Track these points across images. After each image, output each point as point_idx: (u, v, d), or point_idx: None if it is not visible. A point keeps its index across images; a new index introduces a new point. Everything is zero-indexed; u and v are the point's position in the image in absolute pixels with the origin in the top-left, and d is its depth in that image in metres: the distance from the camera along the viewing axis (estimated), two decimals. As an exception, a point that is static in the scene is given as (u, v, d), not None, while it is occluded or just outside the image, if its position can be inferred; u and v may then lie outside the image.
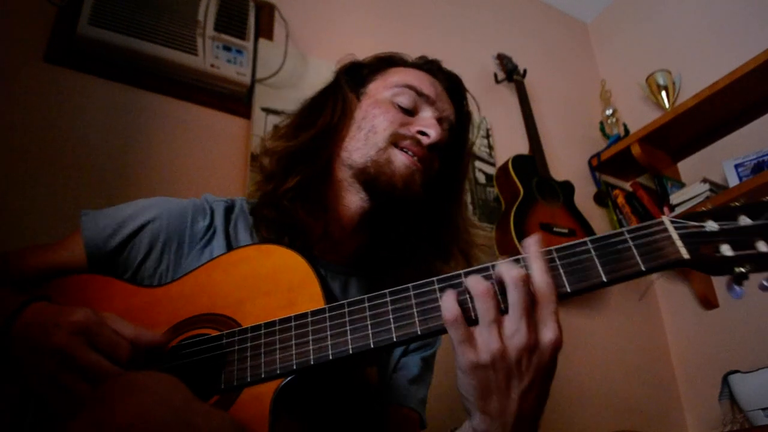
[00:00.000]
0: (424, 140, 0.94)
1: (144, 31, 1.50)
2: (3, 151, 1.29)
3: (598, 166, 2.42)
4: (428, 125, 0.95)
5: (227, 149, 1.58)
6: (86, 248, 0.87)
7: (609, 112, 2.53)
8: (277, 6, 1.83)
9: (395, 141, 0.93)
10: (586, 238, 0.65)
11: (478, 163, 2.11)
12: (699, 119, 2.16)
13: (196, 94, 1.59)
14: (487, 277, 0.63)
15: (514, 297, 0.60)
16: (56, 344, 0.65)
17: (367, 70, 1.05)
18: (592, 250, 0.63)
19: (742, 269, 0.60)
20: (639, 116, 2.45)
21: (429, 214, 1.00)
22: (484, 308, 0.60)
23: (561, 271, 0.63)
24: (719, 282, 2.15)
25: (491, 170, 2.14)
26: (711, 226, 0.62)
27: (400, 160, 0.92)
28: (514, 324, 0.60)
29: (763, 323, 1.97)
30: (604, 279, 0.62)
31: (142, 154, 1.45)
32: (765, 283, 0.62)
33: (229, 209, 0.97)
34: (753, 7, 2.23)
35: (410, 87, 0.98)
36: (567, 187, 2.16)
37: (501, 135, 2.25)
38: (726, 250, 0.61)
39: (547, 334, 0.60)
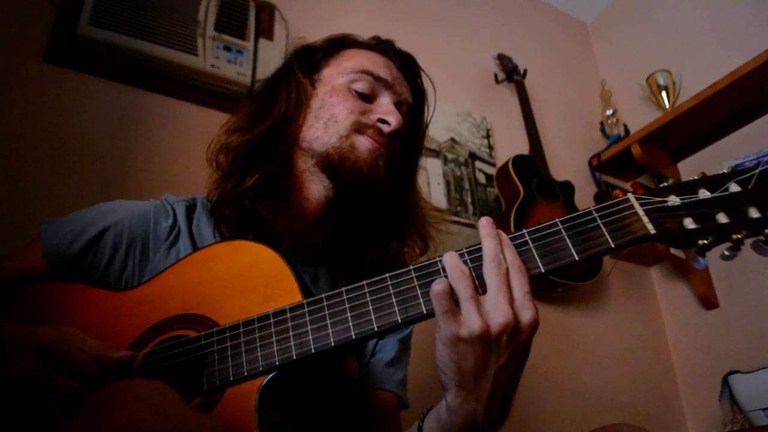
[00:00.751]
0: (385, 128, 0.93)
1: (144, 31, 1.50)
2: (3, 151, 1.29)
3: (599, 166, 2.42)
4: (387, 112, 0.94)
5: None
6: (46, 256, 0.85)
7: (609, 112, 2.53)
8: (277, 6, 1.83)
9: (357, 129, 0.93)
10: (556, 219, 0.67)
11: (478, 163, 2.11)
12: (699, 119, 2.15)
13: (196, 94, 1.58)
14: (464, 261, 0.65)
15: (489, 274, 0.62)
16: (18, 367, 0.63)
17: (320, 54, 1.03)
18: (563, 231, 0.66)
19: (705, 241, 0.62)
20: (639, 116, 2.45)
21: (389, 196, 1.00)
22: (461, 285, 0.62)
23: (534, 252, 0.65)
24: (720, 282, 2.15)
25: (491, 170, 2.14)
26: (673, 200, 0.65)
27: (364, 145, 0.92)
28: (492, 299, 0.62)
29: (763, 323, 1.97)
30: (576, 257, 0.64)
31: (142, 154, 1.45)
32: (726, 253, 0.64)
33: (190, 208, 0.96)
34: (753, 7, 2.23)
35: (366, 72, 0.96)
36: (567, 188, 2.16)
37: (501, 135, 2.25)
38: (689, 223, 0.63)
39: (525, 314, 0.62)
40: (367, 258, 0.94)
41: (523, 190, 1.99)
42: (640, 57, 2.58)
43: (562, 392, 1.84)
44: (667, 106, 2.32)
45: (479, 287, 0.64)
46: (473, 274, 0.64)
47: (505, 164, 2.08)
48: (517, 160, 2.09)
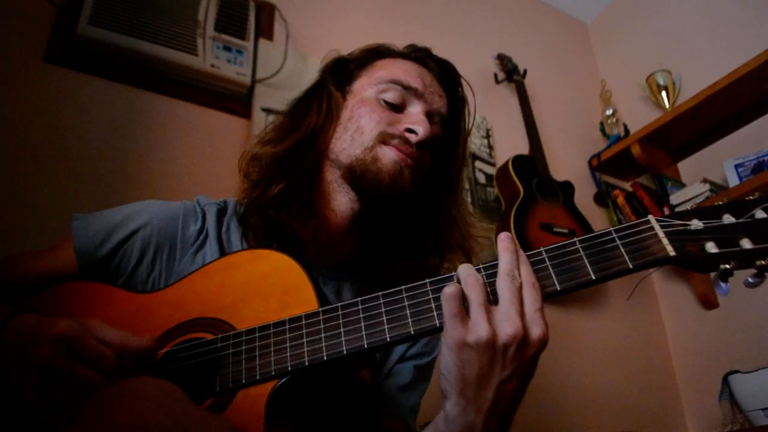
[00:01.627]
0: (412, 138, 0.91)
1: (144, 31, 1.50)
2: (3, 151, 1.29)
3: (598, 166, 2.42)
4: (416, 122, 0.92)
5: (227, 149, 1.58)
6: (77, 256, 0.86)
7: (609, 112, 2.53)
8: (277, 6, 1.83)
9: (383, 140, 0.91)
10: (575, 238, 0.66)
11: (478, 163, 2.11)
12: (699, 119, 2.16)
13: (196, 94, 1.58)
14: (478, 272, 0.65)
15: (503, 286, 0.62)
16: (40, 358, 0.64)
17: (354, 65, 1.02)
18: (581, 250, 0.65)
19: (728, 266, 0.61)
20: (639, 116, 2.45)
21: (423, 208, 0.98)
22: (474, 291, 0.62)
23: (551, 270, 0.65)
24: (719, 282, 2.15)
25: (491, 170, 2.14)
26: (696, 224, 0.64)
27: (389, 156, 0.90)
28: (503, 310, 0.61)
29: (763, 323, 1.97)
30: (593, 277, 0.63)
31: (142, 154, 1.45)
32: (750, 280, 0.63)
33: (221, 212, 0.96)
34: (753, 7, 2.23)
35: (395, 82, 0.95)
36: (567, 187, 2.16)
37: (501, 135, 2.25)
38: (711, 247, 0.62)
39: (535, 329, 0.61)
40: (397, 273, 0.93)
41: (523, 190, 1.99)
42: (640, 57, 2.58)
43: (562, 392, 1.84)
44: (667, 106, 2.32)
45: (491, 298, 0.64)
46: (486, 283, 0.64)
47: (505, 164, 2.08)
48: (517, 160, 2.09)
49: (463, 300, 0.62)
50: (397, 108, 0.94)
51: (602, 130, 2.55)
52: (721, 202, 0.65)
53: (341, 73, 1.02)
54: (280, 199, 0.90)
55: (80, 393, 0.63)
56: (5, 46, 1.37)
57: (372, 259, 0.97)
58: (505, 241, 0.66)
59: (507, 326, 0.60)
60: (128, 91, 1.49)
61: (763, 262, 0.61)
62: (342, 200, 0.93)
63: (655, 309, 2.33)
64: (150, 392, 0.51)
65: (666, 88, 2.35)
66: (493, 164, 2.15)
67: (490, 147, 2.19)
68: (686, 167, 2.37)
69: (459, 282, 0.65)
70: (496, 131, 2.25)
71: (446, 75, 1.04)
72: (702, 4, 2.43)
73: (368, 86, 0.97)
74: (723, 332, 2.09)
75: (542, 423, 1.74)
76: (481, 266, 0.67)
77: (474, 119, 1.08)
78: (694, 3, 2.46)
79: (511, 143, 2.23)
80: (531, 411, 1.72)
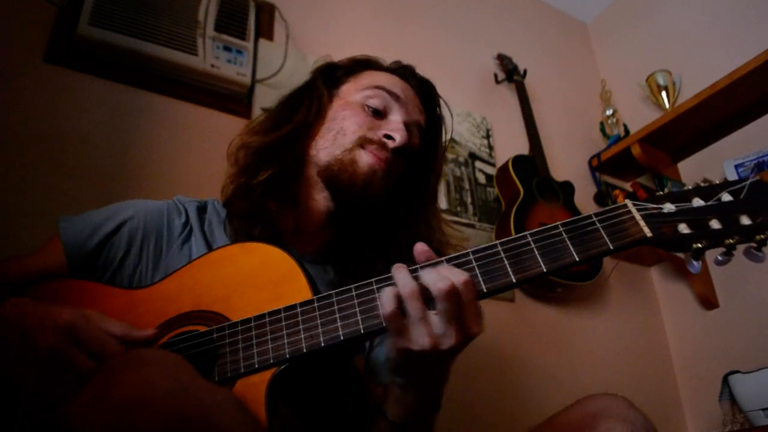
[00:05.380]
0: (390, 144, 0.96)
1: (144, 31, 1.49)
2: (3, 151, 1.29)
3: (598, 166, 2.42)
4: (394, 129, 0.97)
5: (226, 152, 1.57)
6: (66, 251, 0.87)
7: (609, 112, 2.53)
8: (277, 6, 1.83)
9: (362, 144, 0.96)
10: (557, 222, 0.70)
11: (478, 163, 2.11)
12: (699, 119, 2.15)
13: (196, 94, 1.58)
14: (416, 277, 0.68)
15: (442, 307, 0.65)
16: (43, 346, 0.65)
17: (342, 72, 1.09)
18: (564, 233, 0.69)
19: (699, 245, 0.67)
20: (639, 116, 2.45)
21: (399, 212, 1.03)
22: (412, 307, 0.65)
23: (536, 253, 0.68)
24: (719, 282, 2.15)
25: (491, 170, 2.14)
26: (669, 207, 0.70)
27: (365, 160, 0.95)
28: (442, 328, 0.65)
29: (763, 323, 1.97)
30: (576, 258, 0.68)
31: (142, 155, 1.45)
32: (719, 258, 0.69)
33: (201, 209, 1.00)
34: (753, 7, 2.23)
35: (380, 87, 1.01)
36: (567, 188, 2.16)
37: (501, 135, 2.25)
38: (683, 228, 0.68)
39: (473, 329, 0.66)
40: (379, 267, 0.95)
41: (523, 190, 1.99)
42: (640, 57, 2.58)
43: (561, 392, 1.84)
44: (667, 106, 2.32)
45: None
46: (421, 290, 0.66)
47: (505, 164, 2.08)
48: (517, 160, 2.09)
49: (400, 309, 0.66)
50: (380, 114, 1.00)
51: (602, 130, 2.55)
52: (689, 187, 0.73)
53: (330, 77, 1.08)
54: (266, 185, 0.94)
55: (83, 382, 0.64)
56: (5, 46, 1.37)
57: (348, 248, 1.01)
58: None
59: (447, 340, 0.65)
60: (128, 91, 1.49)
61: (730, 240, 0.67)
62: (318, 197, 0.98)
63: (655, 309, 2.33)
64: (158, 359, 0.53)
65: (666, 88, 2.35)
66: (493, 164, 2.15)
67: (490, 147, 2.18)
68: (686, 167, 2.37)
69: (394, 280, 0.68)
70: (496, 131, 2.24)
71: (426, 93, 1.11)
72: (702, 4, 2.42)
73: (354, 91, 1.03)
74: (723, 332, 2.09)
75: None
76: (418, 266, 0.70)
77: (450, 138, 1.17)
78: (694, 3, 2.45)
79: (511, 143, 2.23)
80: (531, 411, 1.72)
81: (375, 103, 1.00)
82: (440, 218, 1.10)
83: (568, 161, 2.39)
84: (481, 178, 2.10)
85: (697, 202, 0.70)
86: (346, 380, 0.87)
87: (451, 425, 1.48)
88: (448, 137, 1.15)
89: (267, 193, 0.94)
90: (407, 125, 1.00)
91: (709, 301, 2.14)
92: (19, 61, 1.38)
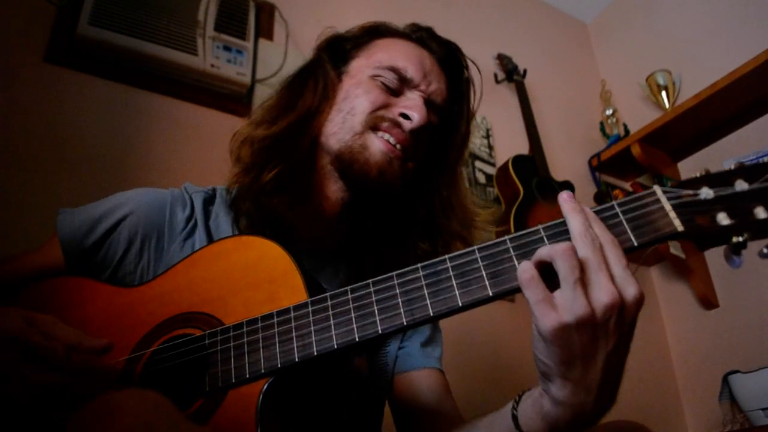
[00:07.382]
0: (406, 124, 0.87)
1: (144, 31, 1.50)
2: (3, 151, 1.29)
3: (598, 166, 2.42)
4: (411, 107, 0.87)
5: (227, 149, 1.58)
6: (63, 248, 0.84)
7: (609, 112, 2.53)
8: (277, 6, 1.83)
9: (374, 124, 0.87)
10: (583, 207, 0.62)
11: (478, 163, 2.11)
12: (699, 119, 2.15)
13: (196, 94, 1.58)
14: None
15: (584, 251, 0.56)
16: None
17: (351, 44, 0.98)
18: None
19: (740, 238, 0.55)
20: (639, 116, 2.45)
21: (419, 197, 0.94)
22: (567, 266, 0.54)
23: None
24: (719, 282, 2.15)
25: (491, 170, 2.13)
26: (706, 193, 0.57)
27: (377, 146, 0.86)
28: (594, 279, 0.55)
29: (763, 323, 1.97)
30: None
31: (142, 154, 1.45)
32: (765, 250, 0.57)
33: (208, 200, 0.93)
34: (753, 7, 2.23)
35: (393, 69, 0.90)
36: (567, 187, 2.16)
37: (501, 135, 2.25)
38: (723, 218, 0.55)
39: (630, 290, 0.56)
40: (394, 258, 0.89)
41: (522, 190, 1.99)
42: (640, 57, 2.58)
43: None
44: (667, 106, 2.32)
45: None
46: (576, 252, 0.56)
47: (505, 164, 2.08)
48: (517, 160, 2.09)
49: (540, 278, 0.56)
50: (394, 92, 0.91)
51: (602, 130, 2.55)
52: (733, 167, 0.59)
53: (337, 52, 0.97)
54: (274, 185, 0.85)
55: (29, 394, 0.61)
56: (5, 46, 1.37)
57: (364, 244, 0.94)
58: (569, 202, 0.61)
59: (602, 296, 0.54)
60: (128, 91, 1.49)
61: None
62: (333, 187, 0.89)
63: (655, 309, 2.33)
64: (134, 408, 0.48)
65: (666, 88, 2.35)
66: (493, 164, 2.15)
67: (490, 147, 2.18)
68: (686, 167, 2.37)
69: (539, 253, 0.58)
70: (496, 131, 2.24)
71: (450, 57, 0.98)
72: (702, 4, 2.42)
73: (366, 68, 0.93)
74: (723, 332, 2.09)
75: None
76: (540, 227, 0.61)
77: (482, 98, 1.03)
78: (694, 3, 2.45)
79: (511, 143, 2.23)
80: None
81: (387, 80, 0.90)
82: (463, 194, 0.99)
83: (568, 161, 2.39)
84: (481, 178, 2.10)
85: (740, 185, 0.56)
86: (344, 386, 0.83)
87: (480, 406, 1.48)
88: (478, 101, 1.02)
89: (273, 193, 0.85)
90: (427, 102, 0.90)
91: (709, 301, 2.14)
92: (19, 61, 1.38)
